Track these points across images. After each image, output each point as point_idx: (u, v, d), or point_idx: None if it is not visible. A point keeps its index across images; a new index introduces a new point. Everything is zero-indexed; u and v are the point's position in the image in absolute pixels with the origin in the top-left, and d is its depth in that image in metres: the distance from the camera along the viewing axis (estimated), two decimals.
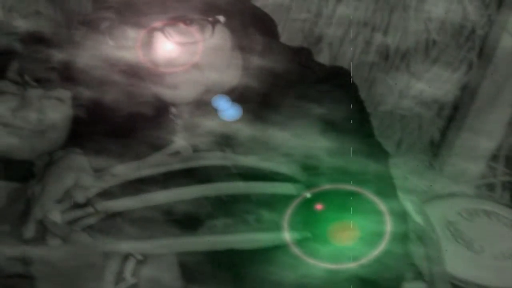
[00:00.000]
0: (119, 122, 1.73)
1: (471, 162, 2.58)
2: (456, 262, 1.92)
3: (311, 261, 1.46)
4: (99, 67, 1.62)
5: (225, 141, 1.62)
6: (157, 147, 1.65)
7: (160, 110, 1.69)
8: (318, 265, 1.45)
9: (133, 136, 1.71)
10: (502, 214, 2.23)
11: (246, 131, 1.60)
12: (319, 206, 1.52)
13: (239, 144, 1.60)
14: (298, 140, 1.59)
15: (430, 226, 1.83)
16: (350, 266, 1.45)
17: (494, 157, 2.62)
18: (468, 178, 2.59)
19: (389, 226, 1.47)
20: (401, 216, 1.56)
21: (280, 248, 1.49)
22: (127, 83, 1.65)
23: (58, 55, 1.68)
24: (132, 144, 1.68)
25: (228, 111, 1.63)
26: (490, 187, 2.63)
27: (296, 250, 1.48)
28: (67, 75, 1.69)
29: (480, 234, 2.10)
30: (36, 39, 1.70)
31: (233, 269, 1.50)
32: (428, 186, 2.49)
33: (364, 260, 1.45)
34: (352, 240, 1.47)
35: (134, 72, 1.58)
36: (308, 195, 1.54)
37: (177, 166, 1.61)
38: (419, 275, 1.71)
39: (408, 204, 1.81)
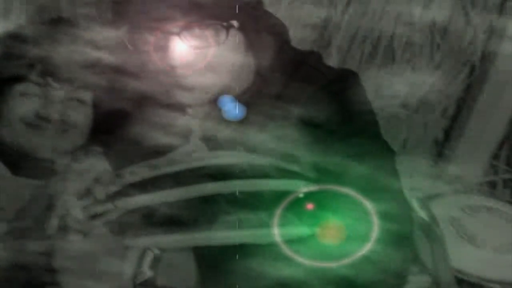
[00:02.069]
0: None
1: (473, 160, 2.58)
2: (459, 256, 1.91)
3: (297, 257, 1.45)
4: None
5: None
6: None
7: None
8: (304, 263, 1.45)
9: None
10: (503, 210, 2.23)
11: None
12: (310, 206, 1.52)
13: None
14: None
15: (435, 221, 1.82)
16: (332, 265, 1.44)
17: (496, 156, 2.62)
18: (471, 176, 2.59)
19: (375, 227, 1.46)
20: (393, 218, 1.52)
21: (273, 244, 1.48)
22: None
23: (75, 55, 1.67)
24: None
25: (233, 111, 1.62)
26: (492, 184, 2.63)
27: (292, 247, 1.47)
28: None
29: (482, 229, 2.09)
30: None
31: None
32: (433, 184, 2.48)
33: (346, 260, 1.44)
34: (339, 239, 1.46)
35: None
36: (301, 194, 1.53)
37: (192, 164, 1.60)
38: (424, 269, 1.71)
39: (413, 201, 1.80)
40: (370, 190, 1.50)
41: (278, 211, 1.51)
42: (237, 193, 1.56)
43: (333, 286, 1.44)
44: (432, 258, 1.72)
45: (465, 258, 1.95)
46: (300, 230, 1.49)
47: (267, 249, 1.47)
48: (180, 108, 1.65)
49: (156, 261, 1.47)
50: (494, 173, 2.62)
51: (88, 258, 1.47)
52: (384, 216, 1.47)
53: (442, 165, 2.62)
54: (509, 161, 2.61)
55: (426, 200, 2.02)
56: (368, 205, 1.47)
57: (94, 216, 1.54)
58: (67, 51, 1.65)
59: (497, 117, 2.50)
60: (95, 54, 1.66)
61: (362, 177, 1.52)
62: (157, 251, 1.48)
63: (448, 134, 2.65)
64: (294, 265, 1.45)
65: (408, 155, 2.59)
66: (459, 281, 1.89)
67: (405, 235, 1.52)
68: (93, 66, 1.67)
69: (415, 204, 1.83)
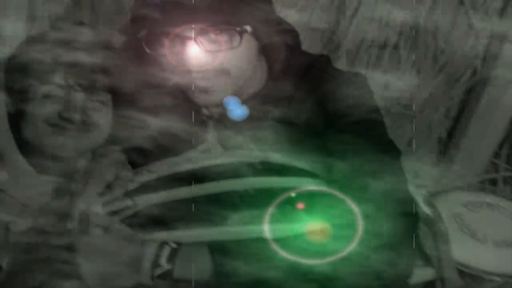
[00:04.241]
0: None
1: (475, 159, 2.57)
2: (462, 250, 1.89)
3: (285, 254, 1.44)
4: None
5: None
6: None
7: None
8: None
9: None
10: (504, 206, 2.20)
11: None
12: (300, 206, 1.52)
13: None
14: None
15: (438, 217, 1.81)
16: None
17: (496, 155, 2.61)
18: (473, 174, 2.58)
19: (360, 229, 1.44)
20: (375, 220, 1.50)
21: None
22: None
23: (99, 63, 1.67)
24: None
25: (237, 111, 1.62)
26: (493, 181, 2.62)
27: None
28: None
29: (484, 224, 2.06)
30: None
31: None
32: (436, 181, 2.47)
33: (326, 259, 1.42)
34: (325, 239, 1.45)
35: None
36: (293, 194, 1.53)
37: (207, 162, 1.60)
38: (428, 262, 1.70)
39: (418, 198, 1.79)
40: (376, 190, 1.49)
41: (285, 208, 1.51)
42: (250, 190, 1.56)
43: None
44: (436, 252, 1.72)
45: (467, 252, 1.92)
46: (309, 226, 1.48)
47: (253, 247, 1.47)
48: (196, 108, 1.65)
49: (173, 254, 1.46)
50: (495, 171, 2.62)
51: (108, 252, 1.47)
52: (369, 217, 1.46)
53: (446, 163, 2.61)
54: (509, 160, 2.61)
55: (431, 197, 2.01)
56: (354, 206, 1.46)
57: (113, 212, 1.55)
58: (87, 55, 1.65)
59: (497, 118, 2.50)
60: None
61: (369, 176, 1.50)
62: (174, 245, 1.48)
63: (451, 134, 2.64)
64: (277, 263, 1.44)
65: (413, 154, 2.59)
66: (461, 274, 1.87)
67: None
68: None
69: (420, 201, 1.82)
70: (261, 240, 1.46)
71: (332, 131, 1.58)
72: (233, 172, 1.59)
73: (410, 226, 1.53)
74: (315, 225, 1.46)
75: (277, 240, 1.45)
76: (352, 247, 1.41)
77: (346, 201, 1.46)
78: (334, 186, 1.51)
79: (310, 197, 1.52)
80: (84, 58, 1.63)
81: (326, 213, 1.47)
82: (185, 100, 1.62)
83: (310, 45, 2.35)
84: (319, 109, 1.60)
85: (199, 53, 1.49)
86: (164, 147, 1.64)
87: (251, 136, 1.61)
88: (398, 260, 1.46)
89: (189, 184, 1.57)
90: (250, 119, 1.63)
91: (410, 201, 1.56)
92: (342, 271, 1.41)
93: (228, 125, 1.63)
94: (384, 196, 1.50)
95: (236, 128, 1.62)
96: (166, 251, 1.47)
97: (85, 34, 1.68)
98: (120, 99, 1.67)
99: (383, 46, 2.45)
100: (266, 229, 1.47)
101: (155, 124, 1.65)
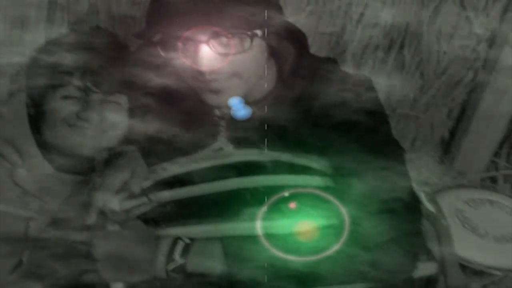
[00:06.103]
0: None
1: (476, 158, 2.57)
2: (463, 245, 1.88)
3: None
4: None
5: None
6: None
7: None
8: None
9: None
10: (504, 203, 2.20)
11: None
12: (292, 205, 1.51)
13: None
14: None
15: (441, 213, 1.81)
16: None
17: (497, 154, 2.61)
18: (474, 172, 2.57)
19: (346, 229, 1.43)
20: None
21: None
22: None
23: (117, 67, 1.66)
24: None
25: (240, 111, 1.62)
26: (493, 179, 2.62)
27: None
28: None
29: (485, 220, 2.06)
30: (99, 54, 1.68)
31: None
32: (439, 179, 2.47)
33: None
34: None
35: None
36: (286, 194, 1.52)
37: (220, 161, 1.60)
38: (431, 257, 1.69)
39: (422, 195, 1.78)
40: (379, 187, 1.48)
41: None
42: (261, 188, 1.56)
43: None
44: (438, 247, 1.71)
45: (469, 247, 1.92)
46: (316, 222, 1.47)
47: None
48: (208, 109, 1.65)
49: (186, 249, 1.46)
50: (495, 169, 2.61)
51: (124, 247, 1.46)
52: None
53: (448, 162, 2.61)
54: (509, 158, 2.61)
55: (433, 194, 2.00)
56: (342, 208, 1.45)
57: (129, 209, 1.55)
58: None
59: (497, 118, 2.50)
60: None
61: (373, 175, 1.49)
62: (187, 241, 1.48)
63: (453, 133, 2.64)
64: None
65: (417, 153, 2.59)
66: (463, 268, 1.87)
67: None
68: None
69: (422, 198, 1.82)
70: (248, 238, 1.46)
71: (336, 130, 1.56)
72: (244, 171, 1.58)
73: (404, 224, 1.49)
74: (308, 224, 1.46)
75: (269, 237, 1.45)
76: (338, 246, 1.41)
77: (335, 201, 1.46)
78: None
79: (311, 196, 1.51)
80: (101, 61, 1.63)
81: (319, 211, 1.47)
82: (198, 101, 1.61)
83: (317, 48, 2.35)
84: (323, 109, 1.59)
85: (211, 56, 1.49)
86: (178, 147, 1.63)
87: (261, 136, 1.60)
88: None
89: (202, 182, 1.57)
90: (259, 119, 1.62)
91: (409, 199, 1.54)
92: (326, 269, 1.41)
93: (239, 125, 1.63)
94: (371, 196, 1.48)
95: (247, 128, 1.62)
96: (179, 246, 1.47)
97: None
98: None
99: (387, 49, 2.45)
100: (270, 226, 1.47)
101: (166, 123, 1.65)
